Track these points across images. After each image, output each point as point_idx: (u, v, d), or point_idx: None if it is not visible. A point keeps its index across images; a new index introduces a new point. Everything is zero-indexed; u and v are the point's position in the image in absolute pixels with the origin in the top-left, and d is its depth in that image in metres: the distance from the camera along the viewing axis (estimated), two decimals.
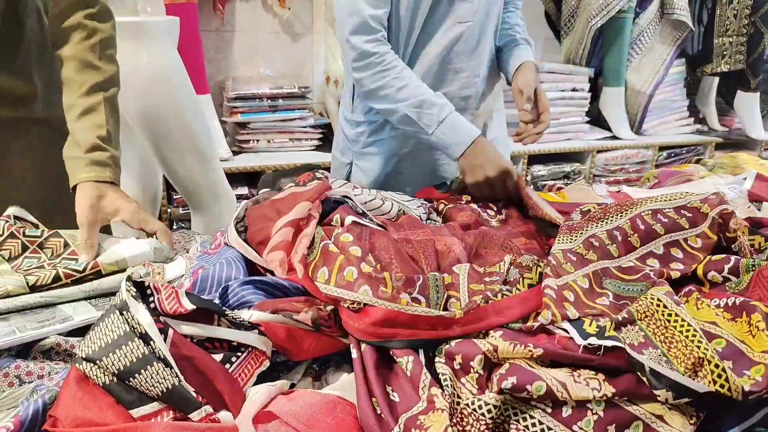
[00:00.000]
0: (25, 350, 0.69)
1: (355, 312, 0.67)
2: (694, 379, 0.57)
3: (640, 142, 2.90)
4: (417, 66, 1.28)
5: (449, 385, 0.60)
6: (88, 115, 1.00)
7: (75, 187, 0.96)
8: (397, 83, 1.18)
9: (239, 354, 0.66)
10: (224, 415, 0.59)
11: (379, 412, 0.60)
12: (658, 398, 0.58)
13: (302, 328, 0.69)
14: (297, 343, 0.69)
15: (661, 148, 2.97)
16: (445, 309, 0.69)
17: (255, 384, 0.66)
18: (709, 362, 0.57)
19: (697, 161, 2.08)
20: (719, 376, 0.56)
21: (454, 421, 0.58)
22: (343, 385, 0.68)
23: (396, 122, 1.23)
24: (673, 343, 0.62)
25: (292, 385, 0.70)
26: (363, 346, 0.66)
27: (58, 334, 0.71)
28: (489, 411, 0.58)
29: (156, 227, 0.95)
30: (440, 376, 0.62)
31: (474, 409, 0.58)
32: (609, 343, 0.61)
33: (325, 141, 2.70)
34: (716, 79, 3.08)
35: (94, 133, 0.98)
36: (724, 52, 2.91)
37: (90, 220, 0.91)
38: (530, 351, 0.62)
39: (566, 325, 0.66)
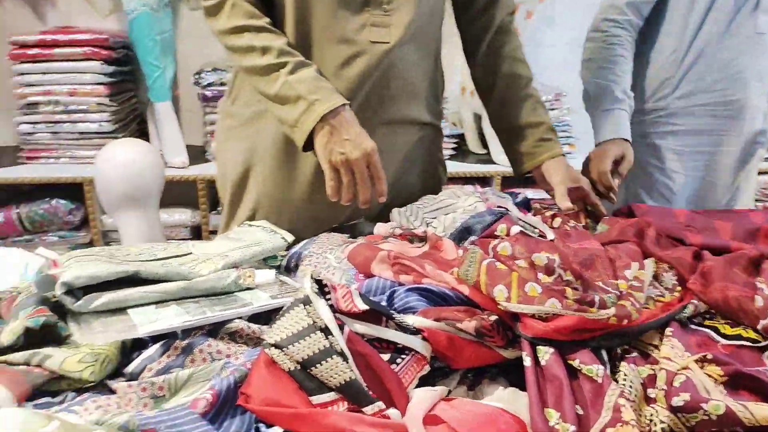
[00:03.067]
0: (214, 331, 0.77)
1: (542, 320, 0.69)
2: None
3: None
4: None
5: (633, 391, 0.60)
6: (539, 104, 1.23)
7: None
8: None
9: (404, 356, 0.70)
10: (393, 413, 0.63)
11: (552, 424, 0.60)
12: None
13: (464, 337, 0.71)
14: (458, 351, 0.71)
15: None
16: None
17: (417, 387, 0.69)
18: None
19: None
20: None
21: None
22: (501, 397, 0.69)
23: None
24: None
25: (448, 392, 0.72)
26: (546, 355, 0.66)
27: (241, 319, 0.78)
28: (663, 430, 0.57)
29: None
30: (622, 378, 0.63)
31: (650, 422, 0.58)
32: None
33: (459, 151, 2.72)
34: None
35: (547, 118, 1.23)
36: None
37: (566, 180, 1.14)
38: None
39: None
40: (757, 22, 1.32)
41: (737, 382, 0.61)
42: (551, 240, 0.84)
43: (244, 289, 0.86)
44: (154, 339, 0.75)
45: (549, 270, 0.73)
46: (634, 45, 1.42)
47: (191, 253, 0.96)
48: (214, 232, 2.46)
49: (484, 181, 2.63)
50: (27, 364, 0.66)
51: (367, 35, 1.07)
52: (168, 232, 2.42)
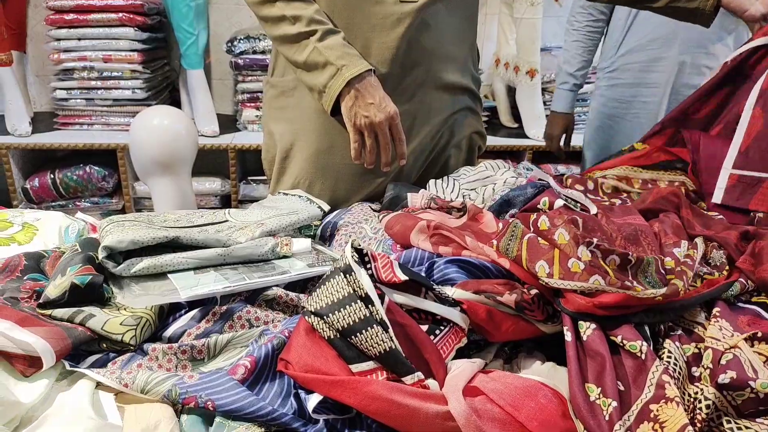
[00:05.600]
0: (251, 298, 0.77)
1: (584, 295, 0.67)
2: None
3: None
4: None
5: (677, 368, 0.59)
6: None
7: None
8: None
9: (442, 328, 0.69)
10: (432, 383, 0.62)
11: (592, 399, 0.59)
12: None
13: (502, 311, 0.70)
14: (496, 324, 0.70)
15: None
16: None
17: (453, 359, 0.69)
18: None
19: None
20: None
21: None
22: (539, 371, 0.69)
23: None
24: None
25: (485, 365, 0.72)
26: (588, 330, 0.65)
27: (278, 286, 0.79)
28: (707, 407, 0.56)
29: None
30: (666, 355, 0.62)
31: (694, 400, 0.57)
32: None
33: (491, 124, 2.68)
34: None
35: None
36: None
37: None
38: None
39: None
40: None
41: None
42: (594, 214, 0.82)
43: (281, 257, 0.86)
44: (191, 304, 0.76)
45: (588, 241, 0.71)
46: (598, 27, 1.82)
47: (228, 220, 0.96)
48: (243, 202, 2.47)
49: (515, 155, 2.59)
50: (70, 320, 0.67)
51: None
52: (198, 201, 2.44)
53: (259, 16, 1.09)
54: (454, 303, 0.70)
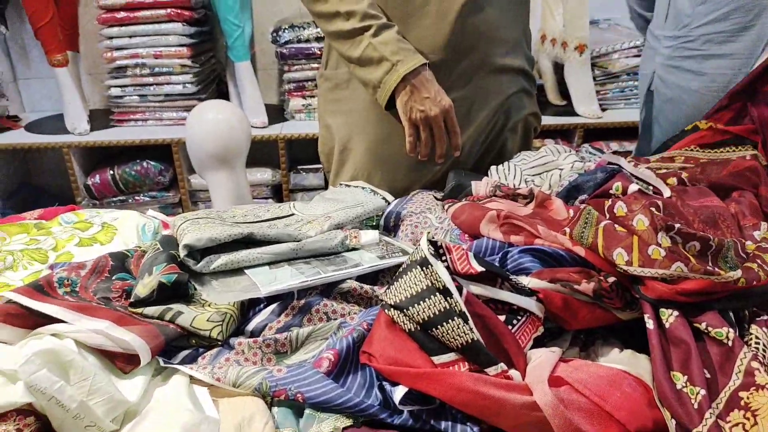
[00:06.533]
0: (327, 291, 0.79)
1: (665, 282, 0.67)
2: None
3: None
4: None
5: (767, 355, 0.58)
6: None
7: None
8: None
9: (519, 317, 0.70)
10: (515, 374, 0.63)
11: (679, 387, 0.59)
12: None
13: (578, 299, 0.70)
14: (572, 312, 0.70)
15: None
16: None
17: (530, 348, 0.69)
18: None
19: None
20: None
21: None
22: (620, 359, 0.68)
23: None
24: None
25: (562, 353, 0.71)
26: (671, 318, 0.65)
27: (351, 279, 0.80)
28: None
29: None
30: (754, 341, 0.61)
31: None
32: None
33: (537, 103, 2.63)
34: None
35: None
36: None
37: None
38: None
39: None
40: None
41: None
42: (669, 197, 0.80)
43: (350, 250, 0.87)
44: (269, 299, 0.78)
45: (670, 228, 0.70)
46: None
47: (294, 214, 0.98)
48: (294, 191, 2.51)
49: (564, 133, 2.55)
50: (161, 318, 0.70)
51: None
52: (250, 191, 2.48)
53: (312, 13, 1.10)
54: (530, 292, 0.70)
